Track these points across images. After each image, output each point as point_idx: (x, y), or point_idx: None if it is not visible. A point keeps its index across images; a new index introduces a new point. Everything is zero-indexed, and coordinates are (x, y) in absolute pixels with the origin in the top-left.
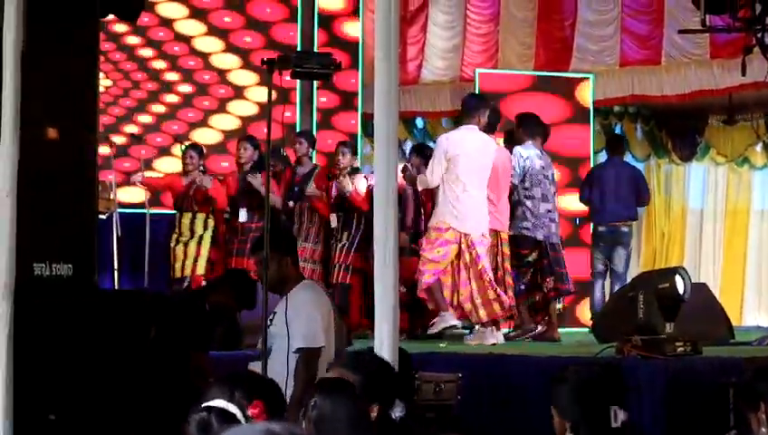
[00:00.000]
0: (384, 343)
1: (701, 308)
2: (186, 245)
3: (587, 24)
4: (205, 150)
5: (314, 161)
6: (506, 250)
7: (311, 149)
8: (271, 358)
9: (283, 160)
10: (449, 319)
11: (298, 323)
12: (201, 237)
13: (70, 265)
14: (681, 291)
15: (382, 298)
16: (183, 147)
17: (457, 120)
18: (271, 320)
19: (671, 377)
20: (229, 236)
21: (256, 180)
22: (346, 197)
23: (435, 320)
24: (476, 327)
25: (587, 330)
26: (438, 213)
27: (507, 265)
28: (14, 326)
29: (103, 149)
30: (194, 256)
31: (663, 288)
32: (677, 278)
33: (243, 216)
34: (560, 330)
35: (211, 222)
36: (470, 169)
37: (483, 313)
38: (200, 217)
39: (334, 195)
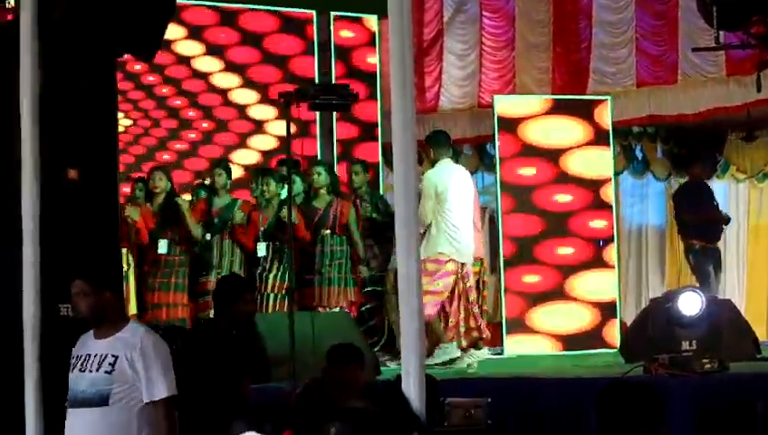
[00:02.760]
0: (411, 369)
1: (726, 325)
2: None
3: (602, 46)
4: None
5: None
6: (486, 279)
7: (229, 181)
8: (105, 411)
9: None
10: (453, 351)
11: (156, 369)
12: (126, 275)
13: None
14: (686, 310)
15: (408, 325)
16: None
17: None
18: (99, 365)
19: (699, 394)
20: (150, 270)
21: (185, 203)
22: (286, 226)
23: (435, 351)
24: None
25: (614, 350)
26: (434, 245)
27: (486, 293)
28: (42, 367)
29: (125, 189)
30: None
31: (669, 307)
32: (683, 297)
33: (162, 247)
34: (589, 351)
35: (131, 258)
36: (459, 201)
37: (464, 341)
38: (122, 252)
39: (267, 223)
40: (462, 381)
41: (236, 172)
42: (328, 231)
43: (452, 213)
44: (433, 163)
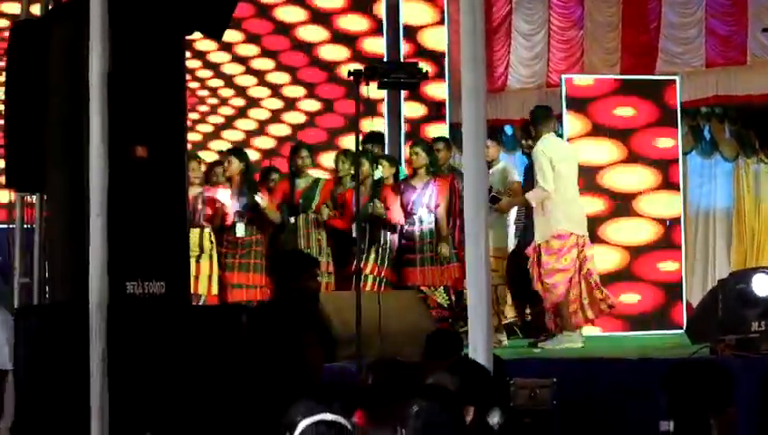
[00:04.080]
0: (478, 348)
1: None
2: (197, 261)
3: (671, 26)
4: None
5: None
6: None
7: (311, 161)
8: None
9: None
10: (577, 340)
11: None
12: (210, 254)
13: (162, 283)
14: (758, 291)
15: (475, 304)
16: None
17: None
18: None
19: (766, 374)
20: (227, 252)
21: (263, 202)
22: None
23: (557, 336)
24: (559, 334)
25: (680, 331)
26: (554, 221)
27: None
28: (108, 344)
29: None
30: (207, 273)
31: (741, 288)
32: (756, 278)
33: (240, 230)
34: (655, 332)
35: (213, 237)
36: (570, 174)
37: (590, 313)
38: (207, 232)
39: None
40: (527, 360)
41: None
42: (425, 209)
43: (565, 186)
44: (535, 138)
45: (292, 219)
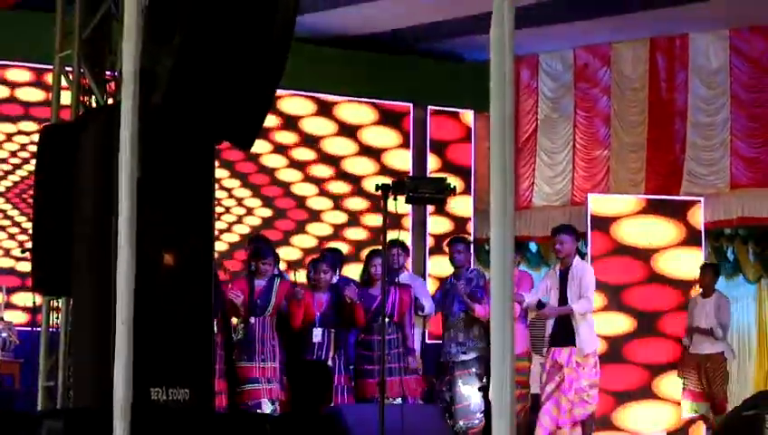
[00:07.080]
0: None
1: None
2: None
3: (696, 147)
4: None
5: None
6: None
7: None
8: None
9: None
10: None
11: None
12: None
13: (186, 390)
14: None
15: (498, 423)
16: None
17: None
18: None
19: None
20: None
21: (239, 299)
22: (343, 310)
23: None
24: None
25: None
26: (590, 340)
27: None
28: None
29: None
30: None
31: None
32: None
33: None
34: None
35: None
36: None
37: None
38: None
39: (325, 306)
40: None
41: None
42: (386, 319)
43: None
44: (568, 255)
45: (252, 320)
